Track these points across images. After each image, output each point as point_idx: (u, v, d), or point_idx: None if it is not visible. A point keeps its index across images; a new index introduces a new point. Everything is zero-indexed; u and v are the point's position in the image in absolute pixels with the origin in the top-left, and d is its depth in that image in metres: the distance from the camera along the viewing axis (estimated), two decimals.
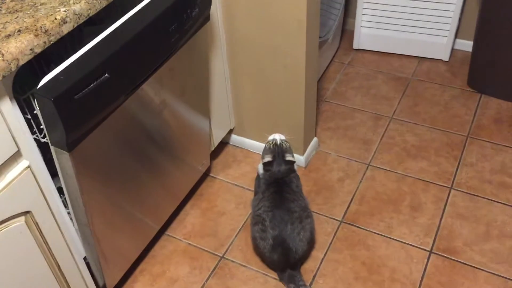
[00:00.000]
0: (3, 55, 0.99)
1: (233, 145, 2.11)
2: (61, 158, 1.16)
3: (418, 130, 2.13)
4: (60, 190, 1.30)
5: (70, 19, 1.11)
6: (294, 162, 1.65)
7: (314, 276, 1.63)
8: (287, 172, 1.63)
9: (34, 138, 1.18)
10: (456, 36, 2.47)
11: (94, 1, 1.16)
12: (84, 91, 1.07)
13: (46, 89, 1.03)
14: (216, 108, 1.85)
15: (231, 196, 1.91)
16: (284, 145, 1.65)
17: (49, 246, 1.27)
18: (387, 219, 1.79)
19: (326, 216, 1.81)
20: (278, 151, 1.63)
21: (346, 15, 2.65)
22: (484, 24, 2.13)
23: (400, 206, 1.83)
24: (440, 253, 1.67)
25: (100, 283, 1.52)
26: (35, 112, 1.13)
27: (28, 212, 1.17)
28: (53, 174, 1.25)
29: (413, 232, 1.74)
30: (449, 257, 1.66)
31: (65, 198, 1.31)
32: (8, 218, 1.12)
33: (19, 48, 1.01)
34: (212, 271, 1.67)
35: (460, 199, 1.84)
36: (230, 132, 2.07)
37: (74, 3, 1.13)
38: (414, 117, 2.19)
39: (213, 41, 1.69)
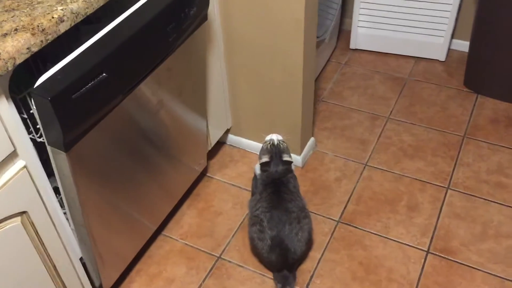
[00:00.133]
0: None
1: (230, 145, 2.11)
2: (58, 158, 1.15)
3: (414, 130, 2.13)
4: (56, 190, 1.29)
5: (68, 18, 1.10)
6: (291, 162, 1.65)
7: (311, 276, 1.63)
8: (285, 173, 1.63)
9: (30, 138, 1.17)
10: (452, 36, 2.47)
11: (92, 0, 1.15)
12: (81, 90, 1.07)
13: (43, 89, 1.02)
14: (213, 108, 1.84)
15: (228, 196, 1.90)
16: (281, 145, 1.64)
17: (45, 247, 1.26)
18: (384, 219, 1.79)
19: (323, 216, 1.81)
20: (275, 152, 1.62)
21: (343, 15, 2.65)
22: (481, 24, 2.13)
23: (397, 206, 1.83)
24: (437, 253, 1.67)
25: (97, 284, 1.51)
26: (31, 111, 1.12)
27: (24, 212, 1.16)
28: (49, 173, 1.24)
29: (410, 232, 1.74)
30: (446, 257, 1.66)
31: (61, 198, 1.30)
32: (4, 218, 1.11)
33: (15, 47, 1.00)
34: (209, 271, 1.67)
35: (457, 199, 1.84)
36: (227, 131, 2.06)
37: (71, 2, 1.12)
38: (410, 117, 2.19)
39: (210, 41, 1.69)
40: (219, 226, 1.80)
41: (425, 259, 1.66)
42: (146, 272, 1.67)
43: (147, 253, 1.73)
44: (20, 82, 1.15)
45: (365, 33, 2.53)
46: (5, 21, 1.06)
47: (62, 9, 1.10)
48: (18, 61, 1.02)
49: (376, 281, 1.61)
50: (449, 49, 2.51)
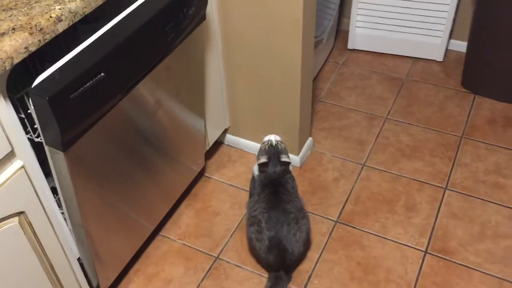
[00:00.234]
0: None
1: (228, 145, 2.10)
2: (56, 158, 1.15)
3: (412, 131, 2.13)
4: (53, 190, 1.28)
5: (66, 17, 1.10)
6: (289, 163, 1.65)
7: (310, 277, 1.63)
8: (283, 173, 1.62)
9: (28, 138, 1.17)
10: (450, 37, 2.48)
11: None
12: (79, 90, 1.06)
13: (41, 88, 1.01)
14: (211, 108, 1.84)
15: (226, 196, 1.90)
16: (279, 146, 1.64)
17: (42, 247, 1.25)
18: (382, 219, 1.79)
19: (321, 216, 1.81)
20: (273, 152, 1.62)
21: (341, 15, 2.65)
22: (478, 24, 2.14)
23: (395, 206, 1.83)
24: (435, 254, 1.67)
25: (94, 284, 1.51)
26: (29, 111, 1.12)
27: (21, 212, 1.15)
28: (46, 173, 1.23)
29: (408, 232, 1.74)
30: (444, 257, 1.66)
31: (58, 198, 1.30)
32: (2, 219, 1.11)
33: (13, 46, 1.00)
34: (207, 271, 1.66)
35: (455, 200, 1.84)
36: (225, 131, 2.06)
37: (69, 1, 1.12)
38: (408, 118, 2.19)
39: (208, 41, 1.68)
40: (217, 226, 1.80)
41: (423, 259, 1.66)
42: (144, 272, 1.67)
43: (145, 253, 1.72)
44: (17, 82, 1.14)
45: (363, 33, 2.53)
46: (2, 20, 1.05)
47: (60, 9, 1.09)
48: (16, 61, 1.01)
49: (374, 282, 1.61)
50: (446, 49, 2.51)
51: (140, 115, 1.38)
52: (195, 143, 1.78)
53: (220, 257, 1.70)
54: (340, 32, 2.70)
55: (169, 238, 1.77)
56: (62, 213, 1.33)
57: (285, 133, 1.85)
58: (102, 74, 1.10)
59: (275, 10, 1.58)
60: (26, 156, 1.14)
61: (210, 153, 2.05)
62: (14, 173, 1.10)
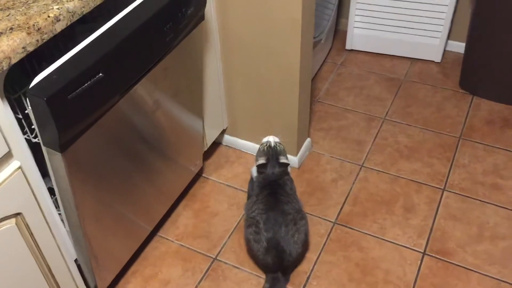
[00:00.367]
0: None
1: (226, 145, 2.10)
2: (53, 159, 1.14)
3: (410, 131, 2.13)
4: (50, 191, 1.27)
5: (64, 17, 1.09)
6: (288, 164, 1.64)
7: (308, 278, 1.63)
8: (281, 175, 1.62)
9: (25, 138, 1.16)
10: (448, 38, 2.48)
11: None
12: (77, 90, 1.05)
13: (38, 89, 1.00)
14: (209, 108, 1.83)
15: (224, 197, 1.89)
16: (278, 147, 1.64)
17: (39, 249, 1.24)
18: (380, 220, 1.79)
19: (320, 217, 1.81)
20: (272, 153, 1.62)
21: (339, 15, 2.65)
22: (477, 25, 2.13)
23: (393, 207, 1.83)
24: (433, 255, 1.67)
25: (91, 285, 1.50)
26: (26, 111, 1.11)
27: (19, 214, 1.14)
28: (43, 174, 1.23)
29: (406, 233, 1.74)
30: (442, 258, 1.66)
31: (56, 199, 1.29)
32: None
33: (11, 46, 0.99)
34: (205, 273, 1.66)
35: (453, 201, 1.84)
36: (223, 132, 2.05)
37: (67, 1, 1.11)
38: (406, 118, 2.19)
39: (207, 41, 1.68)
40: (215, 227, 1.79)
41: (421, 260, 1.66)
42: (141, 273, 1.66)
43: (142, 254, 1.71)
44: (15, 82, 1.14)
45: (361, 33, 2.53)
46: (0, 20, 1.04)
47: (58, 8, 1.08)
48: (14, 61, 1.00)
49: (373, 283, 1.60)
50: (444, 50, 2.51)
51: (138, 115, 1.37)
52: (193, 143, 1.77)
53: (218, 258, 1.70)
54: (338, 32, 2.69)
55: (167, 239, 1.76)
56: (59, 214, 1.32)
57: (283, 133, 1.85)
58: (101, 74, 1.10)
59: (273, 10, 1.58)
60: (23, 157, 1.13)
61: (208, 154, 2.04)
62: (11, 174, 1.09)
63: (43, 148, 1.13)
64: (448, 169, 1.96)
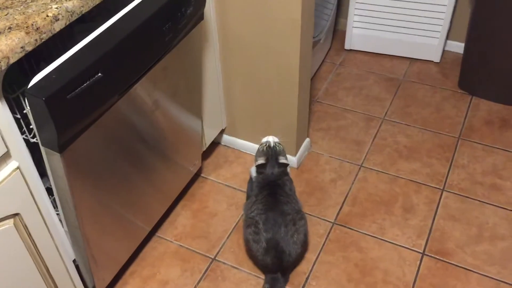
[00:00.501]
0: None
1: (225, 145, 2.09)
2: (52, 159, 1.13)
3: (409, 131, 2.13)
4: (48, 190, 1.27)
5: (62, 16, 1.08)
6: (287, 164, 1.64)
7: (307, 278, 1.62)
8: (280, 175, 1.62)
9: (24, 138, 1.15)
10: (447, 38, 2.48)
11: None
12: (76, 90, 1.05)
13: (37, 88, 1.00)
14: (208, 108, 1.83)
15: (223, 197, 1.89)
16: (277, 147, 1.63)
17: (38, 249, 1.24)
18: (380, 221, 1.78)
19: (319, 218, 1.80)
20: (271, 154, 1.61)
21: (338, 15, 2.65)
22: (476, 25, 2.13)
23: (392, 207, 1.83)
24: (432, 255, 1.67)
25: (90, 286, 1.49)
26: (24, 111, 1.10)
27: (17, 214, 1.14)
28: (41, 173, 1.22)
29: (405, 233, 1.74)
30: (442, 259, 1.66)
31: (54, 199, 1.28)
32: None
33: (9, 46, 0.98)
34: (204, 273, 1.65)
35: (452, 201, 1.84)
36: (222, 132, 2.05)
37: (66, 0, 1.10)
38: (405, 118, 2.19)
39: (206, 40, 1.67)
40: (213, 227, 1.79)
41: (421, 261, 1.66)
42: (139, 274, 1.66)
43: (141, 255, 1.71)
44: (13, 82, 1.13)
45: (360, 33, 2.53)
46: None
47: (57, 8, 1.08)
48: (12, 60, 1.00)
49: (372, 283, 1.60)
50: (443, 50, 2.51)
51: (137, 115, 1.37)
52: (192, 143, 1.76)
53: (217, 258, 1.69)
54: (337, 32, 2.69)
55: (165, 239, 1.76)
56: (58, 214, 1.31)
57: (282, 133, 1.85)
58: (100, 74, 1.09)
59: (273, 10, 1.57)
60: (21, 157, 1.13)
61: (206, 154, 2.04)
62: (9, 175, 1.09)
63: (42, 149, 1.13)
64: (447, 169, 1.96)
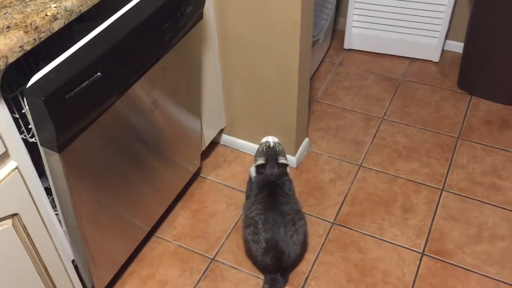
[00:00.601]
0: None
1: (224, 145, 2.09)
2: (51, 159, 1.13)
3: (409, 131, 2.12)
4: (47, 190, 1.26)
5: (61, 15, 1.07)
6: (287, 165, 1.63)
7: (306, 279, 1.62)
8: (280, 175, 1.61)
9: (22, 138, 1.14)
10: (446, 37, 2.47)
11: None
12: (75, 90, 1.04)
13: (36, 88, 0.99)
14: (208, 108, 1.82)
15: (222, 197, 1.88)
16: (277, 147, 1.63)
17: (36, 249, 1.23)
18: (379, 221, 1.78)
19: (318, 218, 1.80)
20: (271, 154, 1.61)
21: (337, 15, 2.64)
22: (475, 25, 2.13)
23: (391, 207, 1.83)
24: (432, 255, 1.67)
25: (89, 286, 1.49)
26: (23, 111, 1.10)
27: (15, 214, 1.13)
28: (40, 173, 1.21)
29: (405, 233, 1.74)
30: (441, 259, 1.66)
31: (52, 199, 1.28)
32: None
33: (8, 45, 0.97)
34: (203, 273, 1.65)
35: (452, 201, 1.84)
36: (221, 132, 2.04)
37: None
38: (405, 118, 2.19)
39: (205, 40, 1.67)
40: (213, 227, 1.78)
41: (420, 261, 1.66)
42: (138, 274, 1.65)
43: (140, 255, 1.70)
44: (11, 81, 1.12)
45: (359, 33, 2.52)
46: None
47: (55, 7, 1.07)
48: (11, 60, 0.99)
49: (371, 283, 1.60)
50: (443, 50, 2.51)
51: (136, 115, 1.36)
52: (191, 143, 1.76)
53: (216, 258, 1.69)
54: (337, 31, 2.68)
55: (164, 239, 1.75)
56: (56, 214, 1.31)
57: (281, 133, 1.84)
58: (99, 73, 1.08)
59: (273, 10, 1.57)
60: (20, 157, 1.12)
61: (206, 154, 2.03)
62: (8, 175, 1.08)
63: (41, 148, 1.12)
64: (447, 169, 1.95)
